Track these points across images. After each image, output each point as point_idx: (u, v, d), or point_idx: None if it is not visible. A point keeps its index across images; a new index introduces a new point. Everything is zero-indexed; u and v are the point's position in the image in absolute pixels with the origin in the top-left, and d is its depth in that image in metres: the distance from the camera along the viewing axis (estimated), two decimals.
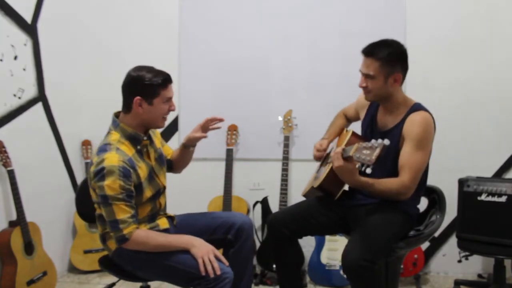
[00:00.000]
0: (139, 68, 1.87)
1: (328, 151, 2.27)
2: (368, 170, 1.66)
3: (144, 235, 1.81)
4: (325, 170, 2.04)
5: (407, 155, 1.91)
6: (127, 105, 1.87)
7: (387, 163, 1.94)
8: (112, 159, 1.76)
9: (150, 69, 1.86)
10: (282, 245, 2.10)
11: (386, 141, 1.63)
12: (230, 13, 3.34)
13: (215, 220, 2.03)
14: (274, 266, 2.25)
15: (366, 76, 1.96)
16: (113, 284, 2.07)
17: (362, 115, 2.22)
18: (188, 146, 2.14)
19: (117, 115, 1.93)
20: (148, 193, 1.90)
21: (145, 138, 1.92)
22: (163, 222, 1.99)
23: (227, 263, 1.78)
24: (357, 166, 1.71)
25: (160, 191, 1.99)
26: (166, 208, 2.12)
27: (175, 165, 2.20)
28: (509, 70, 3.12)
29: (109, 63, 3.43)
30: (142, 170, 1.89)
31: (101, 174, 1.75)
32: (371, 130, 2.12)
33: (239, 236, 1.98)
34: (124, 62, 3.35)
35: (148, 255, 1.82)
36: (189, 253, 1.77)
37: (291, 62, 3.30)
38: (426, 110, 2.00)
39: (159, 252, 1.81)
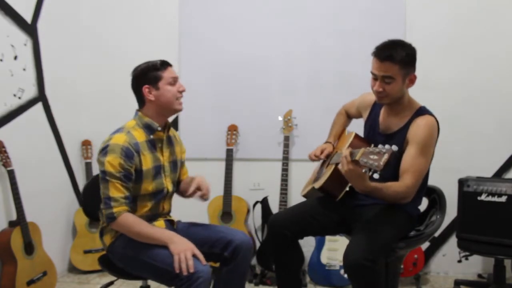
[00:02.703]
0: (136, 66, 1.97)
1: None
2: (376, 176, 1.63)
3: (131, 220, 1.81)
4: (327, 171, 2.02)
5: (411, 158, 1.90)
6: (140, 99, 1.96)
7: (390, 166, 1.92)
8: (118, 139, 1.84)
9: (145, 62, 1.96)
10: (283, 246, 2.09)
11: (394, 147, 1.61)
12: (230, 13, 3.34)
13: (215, 234, 1.98)
14: (274, 267, 2.22)
15: (384, 78, 1.90)
16: (111, 282, 2.06)
17: (365, 115, 2.20)
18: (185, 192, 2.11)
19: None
20: (149, 185, 1.91)
21: (159, 128, 1.94)
22: (159, 225, 1.98)
23: (204, 262, 1.73)
24: (363, 170, 1.67)
25: (164, 192, 1.99)
26: (169, 213, 2.11)
27: (181, 187, 2.18)
28: (509, 69, 3.12)
29: (109, 63, 3.43)
30: (147, 159, 1.90)
31: (105, 150, 1.83)
32: (373, 132, 2.10)
33: (235, 255, 1.91)
34: (124, 62, 3.35)
35: (133, 252, 1.82)
36: (169, 251, 1.75)
37: (291, 62, 3.30)
38: (431, 114, 1.99)
39: (142, 249, 1.80)
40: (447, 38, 3.17)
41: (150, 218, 1.97)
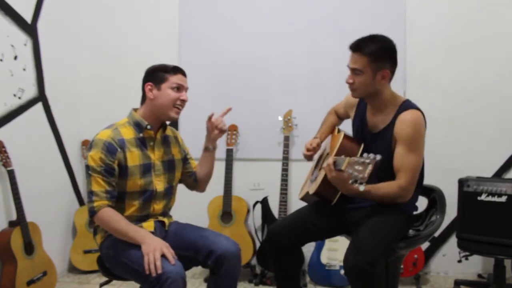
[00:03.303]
0: (154, 64, 2.00)
1: (321, 150, 2.26)
2: (361, 188, 1.60)
3: (110, 215, 1.81)
4: (320, 176, 2.01)
5: (401, 157, 1.89)
6: (143, 95, 1.98)
7: (382, 166, 1.91)
8: (103, 134, 1.87)
9: (164, 63, 1.98)
10: (284, 255, 2.07)
11: (378, 157, 1.59)
12: (230, 13, 3.34)
13: (201, 240, 1.91)
14: (274, 273, 2.21)
15: (353, 71, 1.92)
16: (110, 280, 2.05)
17: (352, 114, 2.19)
18: (208, 148, 2.14)
19: (136, 110, 2.01)
20: (136, 183, 1.89)
21: (148, 127, 1.93)
22: (148, 225, 1.95)
23: (172, 262, 1.69)
24: (350, 181, 1.65)
25: (152, 192, 1.95)
26: (165, 214, 2.07)
27: (198, 177, 2.19)
28: (509, 69, 3.12)
29: (109, 63, 3.44)
30: (134, 156, 1.89)
31: (90, 145, 1.87)
32: (361, 132, 2.09)
33: (219, 265, 1.84)
34: (124, 62, 3.41)
35: (115, 252, 1.83)
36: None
37: (291, 62, 3.30)
38: (415, 107, 1.96)
39: (121, 249, 1.79)
40: (447, 38, 3.17)
41: (140, 218, 1.94)
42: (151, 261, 1.66)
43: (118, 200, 1.88)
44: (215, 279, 1.89)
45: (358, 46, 1.89)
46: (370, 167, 1.58)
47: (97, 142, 1.84)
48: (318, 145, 2.22)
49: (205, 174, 2.20)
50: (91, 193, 1.82)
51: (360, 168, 1.61)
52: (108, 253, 1.87)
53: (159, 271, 1.64)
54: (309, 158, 2.22)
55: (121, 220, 1.82)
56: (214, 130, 2.09)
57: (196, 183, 2.21)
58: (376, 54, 1.87)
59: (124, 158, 1.86)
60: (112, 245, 1.85)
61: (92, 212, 1.82)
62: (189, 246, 1.91)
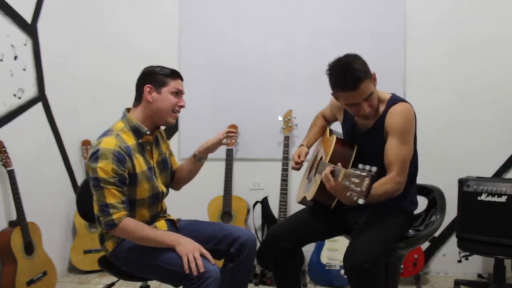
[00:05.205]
0: (149, 66, 1.97)
1: (314, 152, 2.24)
2: (361, 201, 1.57)
3: (134, 224, 1.79)
4: (316, 182, 2.00)
5: (393, 149, 1.89)
6: (138, 96, 1.93)
7: (377, 159, 1.90)
8: (108, 143, 1.79)
9: (160, 65, 1.96)
10: (284, 257, 2.07)
11: (374, 169, 1.58)
12: (230, 14, 3.34)
13: (221, 231, 1.99)
14: (273, 275, 2.20)
15: (366, 99, 1.87)
16: (113, 284, 2.06)
17: (341, 117, 2.19)
18: (201, 158, 2.12)
19: (128, 110, 1.98)
20: (145, 189, 1.89)
21: (148, 132, 1.91)
22: (161, 225, 1.98)
23: (213, 262, 1.75)
24: (348, 194, 1.61)
25: (159, 195, 1.97)
26: (166, 211, 2.11)
27: (178, 177, 2.17)
28: (510, 69, 3.12)
29: (109, 63, 3.44)
30: (140, 162, 1.88)
31: (95, 156, 1.77)
32: (352, 133, 2.09)
33: (242, 252, 1.93)
34: (124, 62, 3.41)
35: (139, 256, 1.82)
36: (176, 252, 1.75)
37: (291, 62, 3.30)
38: (403, 100, 1.97)
39: (148, 252, 1.80)
40: (447, 38, 3.17)
41: (149, 222, 1.95)
42: (192, 261, 1.69)
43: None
44: (234, 266, 1.94)
45: (358, 79, 1.83)
46: (367, 181, 1.56)
47: (105, 153, 1.76)
48: (307, 154, 2.21)
49: (188, 178, 2.18)
50: (105, 206, 1.76)
51: (357, 180, 1.58)
52: (128, 257, 1.86)
53: (202, 270, 1.68)
54: (298, 169, 2.20)
55: (146, 228, 1.82)
56: (218, 146, 2.11)
57: (172, 182, 2.18)
58: (365, 70, 1.87)
59: (132, 166, 1.84)
60: (133, 249, 1.84)
61: (111, 225, 1.77)
62: (208, 239, 1.95)
